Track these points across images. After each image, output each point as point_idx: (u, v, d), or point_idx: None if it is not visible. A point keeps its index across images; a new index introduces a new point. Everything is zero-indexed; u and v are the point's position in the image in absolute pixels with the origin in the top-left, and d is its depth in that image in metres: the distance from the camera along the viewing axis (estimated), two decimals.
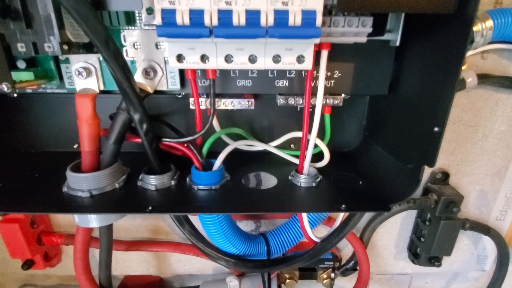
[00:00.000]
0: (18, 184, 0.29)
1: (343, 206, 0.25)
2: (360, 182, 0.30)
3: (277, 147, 0.35)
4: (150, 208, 0.25)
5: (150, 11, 0.25)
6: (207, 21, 0.19)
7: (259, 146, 0.34)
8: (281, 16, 0.19)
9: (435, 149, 0.22)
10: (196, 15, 0.19)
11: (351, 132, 0.36)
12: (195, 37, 0.20)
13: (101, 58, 0.27)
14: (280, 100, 0.30)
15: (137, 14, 0.26)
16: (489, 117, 0.39)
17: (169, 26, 0.19)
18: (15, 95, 0.33)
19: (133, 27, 0.26)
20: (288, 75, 0.29)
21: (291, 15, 0.19)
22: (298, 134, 0.34)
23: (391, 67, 0.29)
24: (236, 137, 0.34)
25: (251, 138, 0.35)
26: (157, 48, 0.27)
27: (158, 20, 0.19)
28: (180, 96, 0.34)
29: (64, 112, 0.35)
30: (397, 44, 0.25)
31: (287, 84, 0.29)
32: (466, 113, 0.39)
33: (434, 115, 0.22)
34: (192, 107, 0.30)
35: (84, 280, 0.34)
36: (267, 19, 0.19)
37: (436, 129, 0.22)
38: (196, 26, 0.19)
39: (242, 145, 0.33)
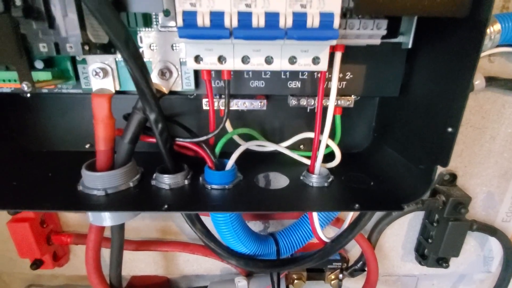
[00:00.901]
0: (33, 183, 0.30)
1: (357, 205, 0.26)
2: (372, 183, 0.30)
3: (287, 147, 0.35)
4: (166, 206, 0.25)
5: (167, 13, 0.25)
6: (227, 23, 0.20)
7: (270, 147, 0.34)
8: (299, 18, 0.20)
9: (449, 149, 0.23)
10: (217, 17, 0.20)
11: (360, 133, 0.36)
12: (215, 38, 0.20)
13: (117, 59, 0.27)
14: (292, 101, 0.30)
15: (153, 16, 0.26)
16: (496, 120, 0.40)
17: (190, 28, 0.20)
18: (29, 95, 0.34)
19: (149, 29, 0.26)
20: (300, 77, 0.29)
21: (309, 17, 0.20)
22: (309, 135, 0.34)
23: (402, 69, 0.29)
24: (247, 138, 0.35)
25: (262, 139, 0.35)
26: (172, 49, 0.27)
27: (179, 21, 0.20)
28: (192, 97, 0.34)
29: (76, 112, 0.35)
30: (409, 46, 0.26)
31: (299, 85, 0.30)
32: (474, 115, 0.39)
33: (447, 116, 0.23)
34: (205, 107, 0.30)
35: (95, 279, 0.34)
36: (285, 21, 0.20)
37: (449, 129, 0.22)
38: (216, 28, 0.20)
39: (253, 145, 0.34)
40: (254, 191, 0.29)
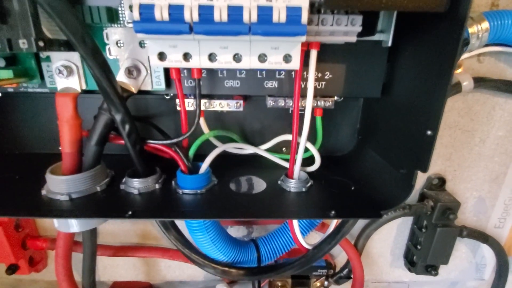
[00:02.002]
0: None
1: (333, 212, 0.24)
2: (352, 188, 0.29)
3: (268, 150, 0.34)
4: (130, 213, 0.24)
5: (132, 8, 0.24)
6: (187, 17, 0.18)
7: (248, 149, 0.33)
8: (264, 13, 0.18)
9: (428, 153, 0.21)
10: (176, 10, 0.18)
11: (344, 136, 0.35)
12: (174, 34, 0.19)
13: None
14: (270, 102, 0.29)
15: (120, 11, 0.25)
16: (486, 122, 0.38)
17: (147, 22, 0.18)
18: None
19: (116, 25, 0.25)
20: (277, 76, 0.28)
21: (275, 11, 0.18)
22: (290, 137, 0.33)
23: (383, 69, 0.28)
24: (226, 140, 0.33)
25: (240, 141, 0.34)
26: (141, 46, 0.26)
27: (135, 15, 0.18)
28: (168, 97, 0.33)
29: (48, 112, 0.34)
30: (389, 44, 0.25)
31: (276, 85, 0.28)
32: (463, 118, 0.38)
33: (427, 118, 0.22)
34: (179, 108, 0.29)
35: (66, 287, 0.33)
36: (250, 15, 0.18)
37: (429, 132, 0.21)
38: (176, 22, 0.18)
39: (231, 148, 0.32)
40: (229, 196, 0.28)
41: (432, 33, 0.22)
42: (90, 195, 0.27)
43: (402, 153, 0.25)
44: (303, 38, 0.19)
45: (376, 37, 0.25)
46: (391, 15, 0.24)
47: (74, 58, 0.26)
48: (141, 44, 0.26)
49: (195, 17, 0.18)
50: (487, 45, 0.33)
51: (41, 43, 0.20)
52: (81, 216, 0.25)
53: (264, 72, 0.28)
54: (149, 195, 0.27)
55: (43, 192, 0.27)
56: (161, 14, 0.18)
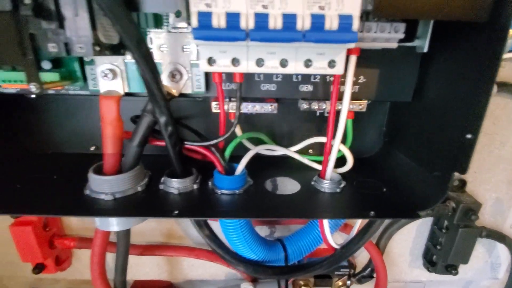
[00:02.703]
0: (38, 186, 0.29)
1: (372, 213, 0.25)
2: (384, 189, 0.29)
3: (296, 152, 0.34)
4: (176, 212, 0.25)
5: (178, 13, 0.25)
6: (243, 25, 0.19)
7: (279, 151, 0.33)
8: (317, 21, 0.19)
9: (468, 156, 0.22)
10: (233, 18, 0.19)
11: (370, 138, 0.36)
12: (231, 40, 0.19)
13: (126, 60, 0.27)
14: (303, 105, 0.30)
15: (164, 17, 0.26)
16: (506, 126, 0.39)
17: (205, 29, 0.19)
18: (34, 96, 0.33)
19: (160, 30, 0.26)
20: (312, 80, 0.29)
21: (328, 19, 0.19)
22: (319, 139, 0.34)
23: (416, 73, 0.28)
24: (254, 142, 0.34)
25: (271, 143, 0.34)
26: (183, 51, 0.26)
27: (194, 23, 0.19)
28: (200, 100, 0.34)
29: (81, 114, 0.35)
30: (425, 50, 0.25)
31: (311, 89, 0.29)
32: (484, 121, 0.39)
33: (466, 122, 0.22)
34: (214, 110, 0.30)
35: (100, 284, 0.34)
36: (303, 23, 0.19)
37: (468, 136, 0.22)
38: (232, 29, 0.19)
39: (262, 150, 0.33)
40: (265, 196, 0.28)
41: (470, 41, 0.22)
42: (132, 195, 0.28)
43: (435, 155, 0.26)
44: (353, 45, 0.20)
45: (412, 42, 0.26)
46: (429, 22, 0.25)
47: (118, 61, 0.27)
48: (183, 48, 0.26)
49: (251, 25, 0.19)
50: (510, 51, 0.34)
51: (97, 48, 0.21)
52: (129, 215, 0.25)
53: (300, 76, 0.28)
54: (189, 195, 0.28)
55: (87, 192, 0.27)
56: (218, 21, 0.19)
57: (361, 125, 0.35)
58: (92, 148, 0.36)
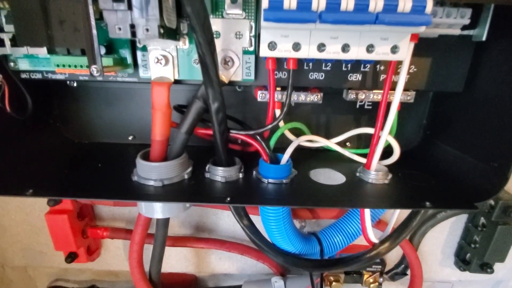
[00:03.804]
0: (84, 173, 0.29)
1: (428, 203, 0.24)
2: (433, 181, 0.29)
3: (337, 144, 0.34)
4: (228, 199, 0.25)
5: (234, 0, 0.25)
6: (314, 6, 0.19)
7: (321, 142, 0.33)
8: (390, 2, 0.19)
9: None
10: None
11: (410, 130, 0.35)
12: (301, 22, 0.19)
13: (179, 47, 0.27)
14: (350, 95, 0.29)
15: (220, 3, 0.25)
16: None
17: (276, 10, 0.19)
18: (75, 84, 0.34)
19: (214, 16, 0.26)
20: (362, 69, 0.28)
21: (401, 1, 0.19)
22: (364, 130, 0.33)
23: (468, 63, 0.28)
24: (295, 132, 0.34)
25: (311, 134, 0.34)
26: (236, 37, 0.26)
27: (265, 3, 0.19)
28: (240, 90, 0.34)
29: (119, 104, 0.35)
30: (484, 38, 0.25)
31: (359, 78, 0.29)
32: None
33: None
34: (261, 99, 0.30)
35: (138, 273, 0.34)
36: (376, 4, 0.19)
37: None
38: (303, 11, 0.19)
39: (305, 141, 0.33)
40: (312, 186, 0.28)
41: None
42: (179, 182, 0.27)
43: (492, 146, 0.26)
44: (423, 29, 0.20)
45: (466, 31, 0.26)
46: (488, 9, 0.24)
47: (170, 48, 0.27)
48: (237, 35, 0.26)
49: (322, 6, 0.19)
50: None
51: (162, 30, 0.21)
52: (179, 200, 0.25)
53: (349, 65, 0.28)
54: (235, 184, 0.28)
55: (134, 178, 0.27)
56: (290, 2, 0.19)
57: (403, 117, 0.34)
58: (130, 138, 0.36)
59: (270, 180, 0.28)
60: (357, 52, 0.22)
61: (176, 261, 0.47)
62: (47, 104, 0.34)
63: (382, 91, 0.27)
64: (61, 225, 0.39)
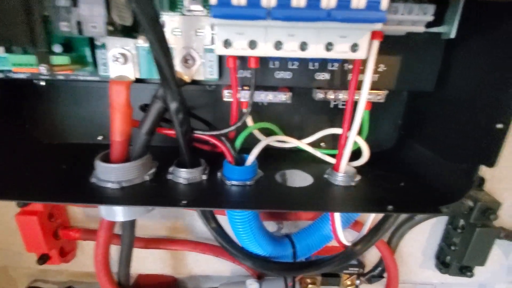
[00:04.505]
0: (45, 175, 0.28)
1: (390, 207, 0.24)
2: (402, 183, 0.28)
3: (309, 144, 0.33)
4: (184, 202, 0.24)
5: None
6: (264, 2, 0.18)
7: (291, 143, 0.32)
8: None
9: (497, 147, 0.21)
10: None
11: (385, 131, 0.35)
12: (251, 19, 0.18)
13: (138, 44, 0.26)
14: (319, 95, 0.29)
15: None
16: None
17: (224, 6, 0.18)
18: (43, 83, 0.33)
19: (173, 13, 0.25)
20: (330, 68, 0.28)
21: None
22: (333, 131, 0.32)
23: (439, 61, 0.27)
24: (266, 132, 0.33)
25: (282, 134, 0.33)
26: (196, 35, 0.25)
27: (213, 0, 0.18)
28: (210, 89, 0.33)
29: (89, 103, 0.34)
30: (453, 36, 0.24)
31: (328, 77, 0.28)
32: None
33: (496, 111, 0.21)
34: (226, 99, 0.29)
35: (103, 276, 0.33)
36: (329, 0, 0.18)
37: (499, 125, 0.21)
38: (253, 7, 0.18)
39: (274, 141, 0.32)
40: (276, 188, 0.27)
41: (504, 25, 0.21)
42: (139, 184, 0.27)
43: (461, 147, 0.25)
44: (380, 26, 0.19)
45: (435, 29, 0.25)
46: (458, 5, 0.23)
47: (130, 45, 0.26)
48: (197, 33, 0.25)
49: (273, 2, 0.18)
50: None
51: (110, 28, 0.20)
52: (135, 204, 0.24)
53: (317, 64, 0.27)
54: (197, 186, 0.27)
55: (93, 180, 0.27)
56: None
57: (375, 117, 0.34)
58: (100, 138, 0.36)
59: (234, 182, 0.27)
60: (316, 50, 0.21)
61: (154, 263, 0.46)
62: (16, 104, 0.33)
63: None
64: (31, 227, 0.38)
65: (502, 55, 0.21)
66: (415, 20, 0.21)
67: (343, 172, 0.29)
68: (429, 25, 0.22)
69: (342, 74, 0.28)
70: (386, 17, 0.18)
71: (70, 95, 0.34)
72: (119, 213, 0.28)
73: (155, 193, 0.26)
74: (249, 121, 0.31)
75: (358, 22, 0.18)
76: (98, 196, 0.25)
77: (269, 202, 0.26)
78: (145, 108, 0.30)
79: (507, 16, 0.21)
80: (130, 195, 0.25)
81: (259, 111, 0.34)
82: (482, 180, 0.39)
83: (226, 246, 0.32)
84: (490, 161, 0.21)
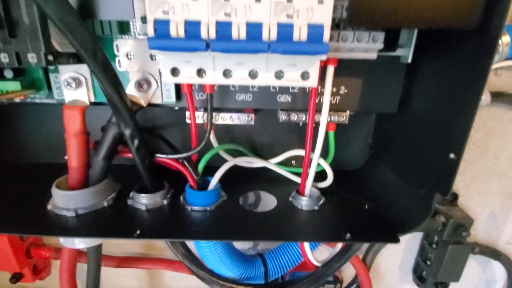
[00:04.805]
0: (2, 200, 0.28)
1: (348, 235, 0.23)
2: (366, 206, 0.28)
3: (278, 163, 0.33)
4: (138, 232, 0.23)
5: (144, 20, 0.23)
6: (204, 34, 0.18)
7: (258, 163, 0.32)
8: (285, 30, 0.18)
9: (450, 178, 0.20)
10: (192, 26, 0.18)
11: (355, 150, 0.34)
12: (190, 51, 0.18)
13: None
14: (282, 116, 0.28)
15: (131, 23, 0.24)
16: (501, 138, 0.37)
17: (162, 38, 0.18)
18: (5, 102, 0.32)
19: (127, 36, 0.24)
20: (291, 90, 0.27)
21: (296, 29, 0.17)
22: (300, 152, 0.32)
23: (401, 84, 0.27)
24: (235, 153, 0.32)
25: (250, 154, 0.33)
26: (152, 59, 0.25)
27: (150, 31, 0.18)
28: (177, 108, 0.32)
29: (54, 122, 0.33)
30: (409, 61, 0.24)
31: (289, 100, 0.27)
32: (477, 132, 0.37)
33: (451, 140, 0.21)
34: (189, 121, 0.28)
35: None
36: (269, 33, 0.18)
37: (451, 155, 0.20)
38: (192, 39, 0.18)
39: (241, 162, 0.31)
40: (238, 214, 0.27)
41: (457, 50, 0.21)
42: (97, 210, 0.26)
43: (420, 172, 0.24)
44: (324, 57, 0.18)
45: (396, 52, 0.24)
46: (413, 30, 0.23)
47: (82, 69, 0.25)
48: (152, 56, 0.25)
49: (212, 34, 0.18)
50: (506, 59, 0.32)
51: (50, 57, 0.20)
52: (87, 236, 0.24)
53: (277, 87, 0.27)
54: (157, 212, 0.27)
55: (49, 207, 0.26)
56: (177, 30, 0.18)
57: (345, 137, 0.33)
58: (66, 157, 0.35)
59: (194, 208, 0.27)
60: (266, 78, 0.21)
61: (129, 280, 0.46)
62: None
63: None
64: (2, 246, 0.37)
65: (455, 80, 0.21)
66: (366, 48, 0.21)
67: (308, 196, 0.28)
68: (383, 50, 0.22)
69: (304, 96, 0.27)
70: (328, 50, 0.17)
71: (34, 115, 0.33)
72: (76, 241, 0.28)
73: (111, 221, 0.25)
74: (215, 142, 0.31)
75: (299, 54, 0.18)
76: (52, 226, 0.24)
77: (228, 230, 0.25)
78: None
79: (457, 41, 0.20)
80: (85, 224, 0.25)
81: (227, 131, 0.33)
82: (455, 196, 0.39)
83: (193, 270, 0.32)
84: (444, 191, 0.21)
